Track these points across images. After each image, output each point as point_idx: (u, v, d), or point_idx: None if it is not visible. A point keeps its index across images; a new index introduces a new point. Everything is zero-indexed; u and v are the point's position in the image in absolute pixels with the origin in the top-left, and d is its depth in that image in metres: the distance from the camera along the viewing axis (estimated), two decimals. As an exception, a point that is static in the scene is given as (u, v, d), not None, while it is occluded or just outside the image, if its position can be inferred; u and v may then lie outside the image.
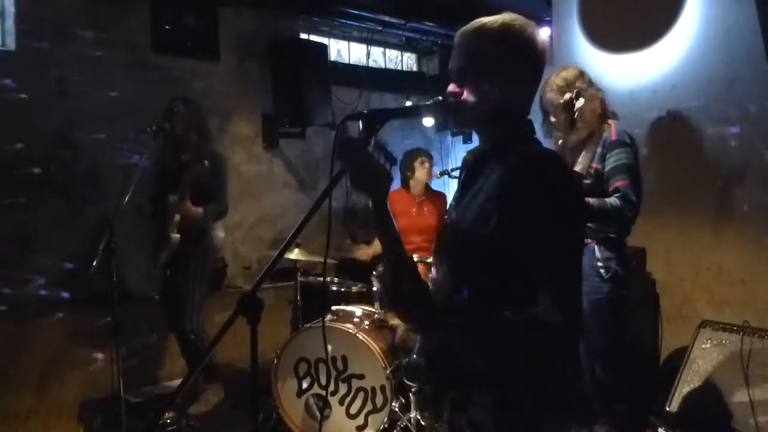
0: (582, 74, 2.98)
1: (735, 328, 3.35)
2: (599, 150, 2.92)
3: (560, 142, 2.85)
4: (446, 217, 1.61)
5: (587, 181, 2.88)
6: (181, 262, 3.86)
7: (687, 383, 3.41)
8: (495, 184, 1.41)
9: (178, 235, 3.75)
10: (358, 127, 1.44)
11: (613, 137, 2.92)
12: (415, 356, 1.51)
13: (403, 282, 1.41)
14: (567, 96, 2.81)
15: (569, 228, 1.36)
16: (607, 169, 2.89)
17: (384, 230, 1.45)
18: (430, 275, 4.09)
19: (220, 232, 4.07)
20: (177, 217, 3.73)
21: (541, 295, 1.29)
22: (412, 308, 1.41)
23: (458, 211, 1.52)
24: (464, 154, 1.65)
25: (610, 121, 3.00)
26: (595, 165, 2.91)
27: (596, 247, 2.95)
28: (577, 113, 2.82)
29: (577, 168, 2.84)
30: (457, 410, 1.44)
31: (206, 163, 3.62)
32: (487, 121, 1.49)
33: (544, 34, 1.52)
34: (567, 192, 1.38)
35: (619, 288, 2.97)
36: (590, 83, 2.98)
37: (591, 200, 2.79)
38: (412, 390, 3.24)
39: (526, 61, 1.46)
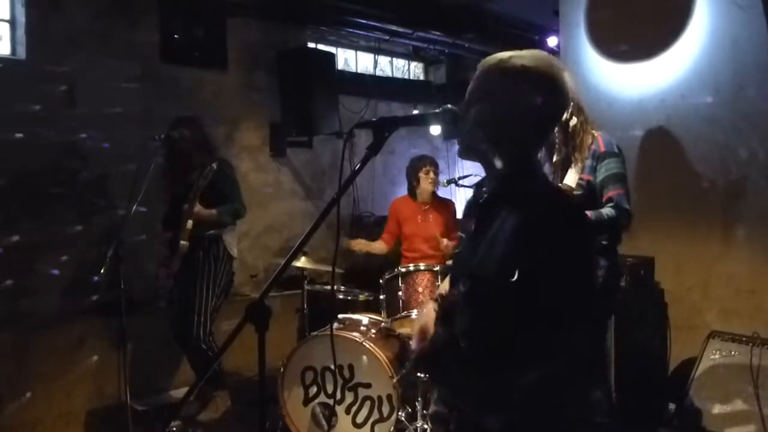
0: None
1: (744, 338, 3.33)
2: (588, 162, 2.95)
3: (555, 157, 2.90)
4: (459, 251, 1.60)
5: (578, 193, 2.90)
6: (190, 270, 3.86)
7: (696, 394, 3.38)
8: (511, 233, 1.40)
9: (186, 243, 3.73)
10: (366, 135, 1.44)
11: (602, 148, 2.95)
12: (434, 405, 1.52)
13: None
14: (564, 117, 2.86)
15: (585, 269, 1.41)
16: (599, 179, 2.92)
17: None
18: (437, 284, 4.09)
19: (232, 240, 4.06)
20: (189, 224, 3.72)
21: (555, 340, 1.34)
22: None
23: (476, 259, 1.48)
24: (469, 161, 1.64)
25: (595, 132, 3.02)
26: (586, 177, 2.93)
27: None
28: (571, 130, 2.87)
29: (567, 181, 2.87)
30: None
31: (214, 166, 3.64)
32: (492, 147, 1.48)
33: (571, 77, 1.50)
34: (581, 235, 1.43)
35: (605, 297, 2.96)
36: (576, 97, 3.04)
37: (588, 213, 2.81)
38: (418, 400, 3.23)
39: (543, 102, 1.44)
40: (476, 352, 1.42)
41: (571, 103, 2.95)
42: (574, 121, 2.88)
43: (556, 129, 2.86)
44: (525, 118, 1.43)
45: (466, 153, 1.53)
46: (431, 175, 4.51)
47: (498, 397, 1.38)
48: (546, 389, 1.35)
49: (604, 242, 2.97)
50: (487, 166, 1.52)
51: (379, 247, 4.58)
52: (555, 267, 1.33)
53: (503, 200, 1.46)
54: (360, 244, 4.41)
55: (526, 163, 1.49)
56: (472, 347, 1.44)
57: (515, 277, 1.34)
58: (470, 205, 1.65)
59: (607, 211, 2.83)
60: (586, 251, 1.45)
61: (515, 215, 1.41)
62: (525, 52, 1.45)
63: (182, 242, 3.73)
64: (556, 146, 2.90)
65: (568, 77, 1.46)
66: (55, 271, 4.19)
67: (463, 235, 1.66)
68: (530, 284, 1.33)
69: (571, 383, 1.38)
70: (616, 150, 2.97)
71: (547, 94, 1.43)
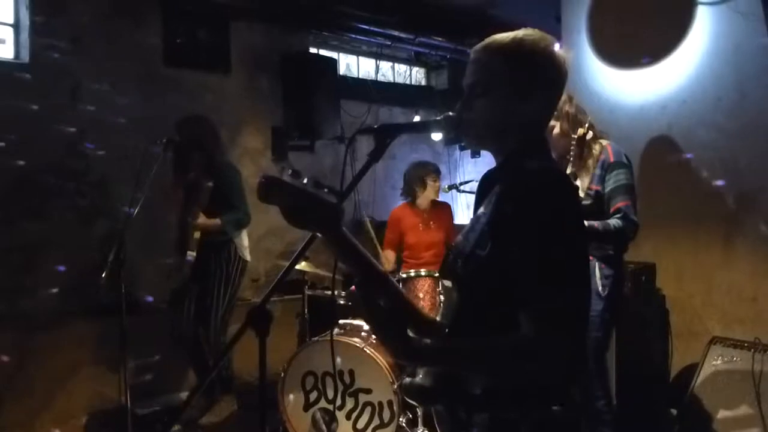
0: (570, 98, 3.02)
1: (746, 344, 3.32)
2: (597, 172, 2.96)
3: (569, 170, 2.90)
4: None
5: (587, 203, 2.91)
6: (201, 273, 3.87)
7: (697, 400, 3.37)
8: (494, 205, 1.39)
9: (194, 253, 3.77)
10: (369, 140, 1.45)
11: (611, 159, 2.96)
12: (420, 377, 1.47)
13: (385, 305, 1.37)
14: (580, 131, 2.86)
15: (566, 249, 1.29)
16: (607, 189, 2.93)
17: (348, 261, 1.44)
18: (438, 290, 4.08)
19: (244, 240, 4.07)
20: (197, 234, 3.75)
21: (533, 320, 1.25)
22: (390, 332, 1.32)
23: (464, 233, 1.49)
24: (470, 167, 1.64)
25: (604, 142, 3.01)
26: (594, 187, 2.94)
27: (597, 265, 2.97)
28: (579, 139, 2.88)
29: None
30: (462, 429, 1.41)
31: (209, 184, 3.66)
32: (498, 138, 1.45)
33: (562, 50, 1.48)
34: (562, 211, 1.32)
35: (611, 306, 2.99)
36: (578, 107, 3.03)
37: (595, 223, 2.83)
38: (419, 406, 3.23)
39: (539, 78, 1.41)
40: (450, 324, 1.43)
41: (566, 108, 2.97)
42: (582, 130, 2.88)
43: (568, 140, 2.87)
44: (522, 92, 1.40)
45: (470, 139, 1.53)
46: (437, 183, 4.50)
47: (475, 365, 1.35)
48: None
49: (610, 252, 2.98)
50: (492, 149, 1.51)
51: (390, 258, 4.55)
52: (536, 242, 1.26)
53: (499, 178, 1.46)
54: None
55: (529, 142, 1.45)
56: (448, 318, 1.45)
57: (486, 251, 1.33)
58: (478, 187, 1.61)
59: (614, 222, 2.85)
60: (574, 231, 1.33)
61: (503, 188, 1.40)
62: (513, 32, 1.44)
63: (189, 252, 3.77)
64: (570, 159, 2.90)
65: (557, 51, 1.44)
66: (57, 272, 4.19)
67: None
68: (499, 259, 1.30)
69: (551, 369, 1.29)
70: (624, 160, 2.98)
71: (538, 65, 1.41)
